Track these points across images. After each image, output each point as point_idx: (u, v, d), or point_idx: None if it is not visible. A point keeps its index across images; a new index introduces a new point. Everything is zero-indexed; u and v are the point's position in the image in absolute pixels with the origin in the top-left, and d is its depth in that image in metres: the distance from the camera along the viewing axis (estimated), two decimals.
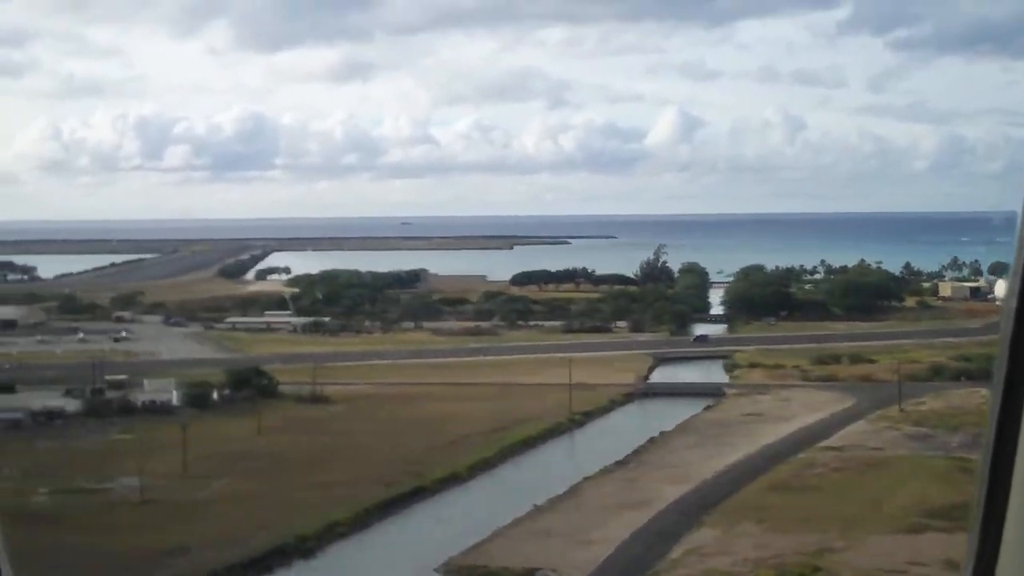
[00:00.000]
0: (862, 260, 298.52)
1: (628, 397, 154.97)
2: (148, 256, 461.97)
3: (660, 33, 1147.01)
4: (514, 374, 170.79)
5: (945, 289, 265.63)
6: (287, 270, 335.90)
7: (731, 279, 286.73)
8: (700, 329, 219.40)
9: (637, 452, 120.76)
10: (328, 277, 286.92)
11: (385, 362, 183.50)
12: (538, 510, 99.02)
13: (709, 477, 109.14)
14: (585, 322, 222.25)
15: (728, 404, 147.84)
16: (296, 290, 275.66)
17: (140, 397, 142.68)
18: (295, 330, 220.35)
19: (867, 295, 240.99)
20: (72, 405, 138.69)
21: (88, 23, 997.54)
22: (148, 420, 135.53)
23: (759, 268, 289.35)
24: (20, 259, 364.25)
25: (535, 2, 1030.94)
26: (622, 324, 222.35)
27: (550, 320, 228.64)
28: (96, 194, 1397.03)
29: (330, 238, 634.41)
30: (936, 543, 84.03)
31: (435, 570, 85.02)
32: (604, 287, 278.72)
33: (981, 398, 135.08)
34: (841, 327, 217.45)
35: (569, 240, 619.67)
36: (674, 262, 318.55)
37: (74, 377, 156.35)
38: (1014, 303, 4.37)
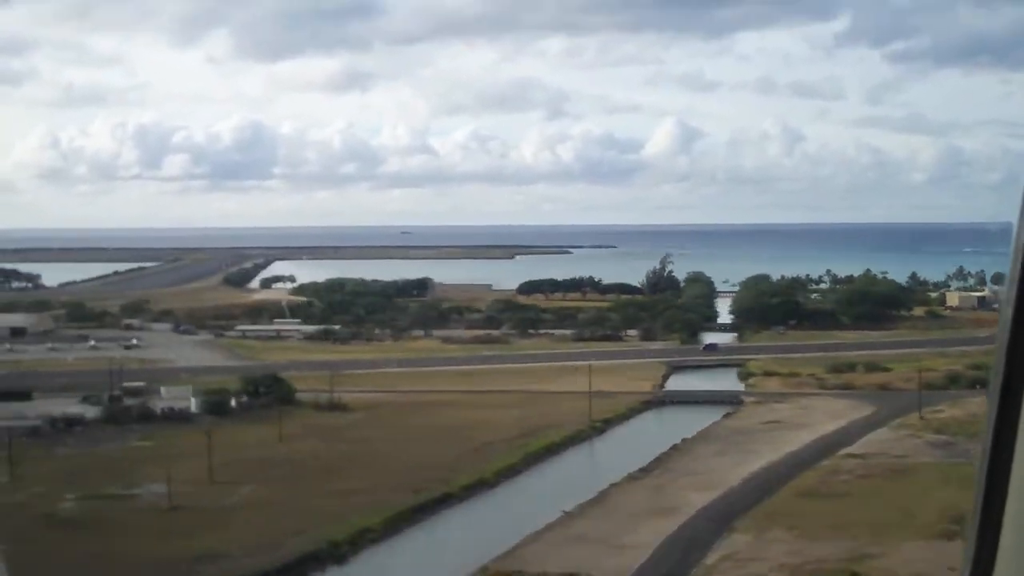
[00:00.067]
0: (868, 270, 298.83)
1: (646, 405, 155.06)
2: (150, 264, 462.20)
3: (659, 44, 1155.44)
4: (529, 382, 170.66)
5: (953, 299, 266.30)
6: (292, 278, 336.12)
7: (736, 288, 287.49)
8: (709, 338, 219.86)
9: (661, 459, 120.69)
10: (335, 285, 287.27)
11: (398, 370, 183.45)
12: (569, 516, 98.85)
13: (736, 484, 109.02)
14: (595, 331, 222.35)
15: (747, 412, 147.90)
16: (303, 298, 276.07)
17: (158, 404, 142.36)
18: (305, 338, 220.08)
19: (876, 304, 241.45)
20: (91, 412, 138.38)
21: (88, 32, 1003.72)
22: (167, 427, 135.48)
23: (765, 277, 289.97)
24: (23, 267, 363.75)
25: (535, 12, 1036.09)
26: (632, 333, 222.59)
27: (560, 328, 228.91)
28: (94, 203, 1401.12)
29: (330, 247, 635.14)
30: None
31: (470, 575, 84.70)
32: (610, 296, 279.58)
33: None
34: (851, 336, 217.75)
35: (571, 250, 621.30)
36: (678, 272, 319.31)
37: (89, 384, 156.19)
38: (1010, 312, 4.39)
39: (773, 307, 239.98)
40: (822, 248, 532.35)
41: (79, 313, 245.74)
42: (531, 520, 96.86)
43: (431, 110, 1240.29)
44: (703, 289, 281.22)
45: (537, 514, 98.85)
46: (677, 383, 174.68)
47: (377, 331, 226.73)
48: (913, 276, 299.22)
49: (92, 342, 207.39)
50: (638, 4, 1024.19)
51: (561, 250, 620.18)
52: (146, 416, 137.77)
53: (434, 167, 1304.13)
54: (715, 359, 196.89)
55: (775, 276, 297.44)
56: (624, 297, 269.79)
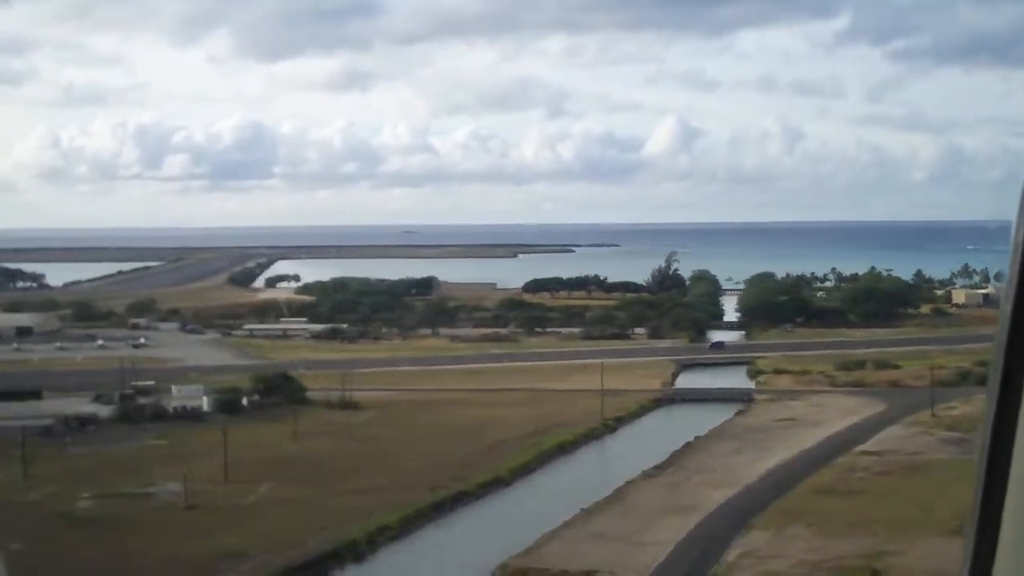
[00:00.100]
0: (873, 268, 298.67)
1: (657, 402, 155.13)
2: (153, 264, 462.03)
3: (660, 43, 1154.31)
4: (539, 380, 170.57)
5: (959, 296, 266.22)
6: (296, 278, 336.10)
7: (741, 287, 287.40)
8: (716, 336, 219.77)
9: (675, 456, 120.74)
10: (340, 284, 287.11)
11: (407, 368, 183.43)
12: (586, 513, 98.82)
13: (752, 481, 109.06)
14: (603, 329, 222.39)
15: (759, 409, 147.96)
16: (308, 297, 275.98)
17: (170, 403, 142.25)
18: (312, 337, 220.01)
19: (883, 302, 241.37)
20: (103, 411, 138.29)
21: (89, 32, 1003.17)
22: (180, 426, 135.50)
23: (770, 275, 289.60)
24: (27, 267, 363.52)
25: (535, 11, 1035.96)
26: (640, 331, 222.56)
27: (567, 327, 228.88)
28: (95, 202, 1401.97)
29: (332, 246, 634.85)
30: None
31: (491, 573, 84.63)
32: (616, 294, 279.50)
33: None
34: (859, 334, 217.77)
35: (573, 248, 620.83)
36: (681, 270, 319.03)
37: (99, 383, 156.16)
38: (1009, 308, 4.43)
39: (780, 305, 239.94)
40: (822, 246, 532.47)
41: (85, 312, 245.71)
42: (549, 518, 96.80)
43: (431, 109, 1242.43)
44: (708, 287, 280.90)
45: (554, 512, 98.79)
46: (687, 381, 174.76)
47: (384, 330, 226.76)
48: (918, 274, 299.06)
49: (100, 341, 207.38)
50: (638, 3, 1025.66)
51: (563, 249, 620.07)
52: (158, 415, 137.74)
53: (434, 166, 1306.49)
54: (724, 357, 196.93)
55: (779, 274, 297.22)
56: (630, 295, 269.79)
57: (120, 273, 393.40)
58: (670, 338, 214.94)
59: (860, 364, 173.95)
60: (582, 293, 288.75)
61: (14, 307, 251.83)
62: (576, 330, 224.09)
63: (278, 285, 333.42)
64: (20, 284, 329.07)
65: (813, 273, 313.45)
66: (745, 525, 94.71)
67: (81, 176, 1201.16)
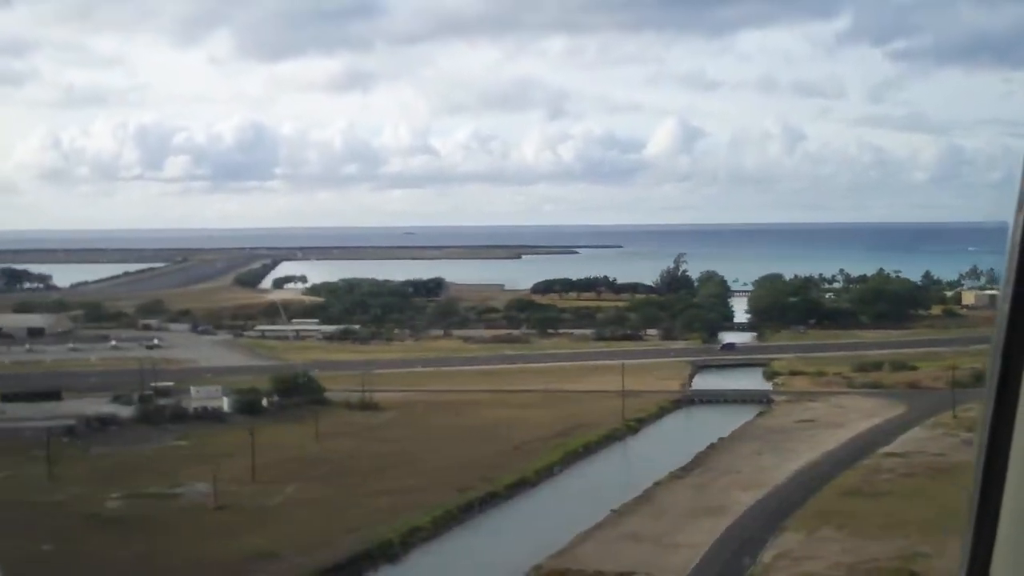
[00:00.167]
0: (881, 269, 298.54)
1: (676, 404, 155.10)
2: (158, 265, 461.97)
3: (660, 43, 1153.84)
4: (554, 381, 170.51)
5: (968, 297, 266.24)
6: (304, 279, 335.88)
7: (749, 288, 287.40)
8: (728, 337, 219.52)
9: (700, 458, 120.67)
10: (350, 286, 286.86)
11: (422, 369, 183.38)
12: (617, 514, 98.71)
13: (780, 483, 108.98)
14: (615, 330, 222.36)
15: (779, 411, 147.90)
16: (317, 299, 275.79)
17: (190, 404, 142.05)
18: (325, 338, 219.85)
19: (893, 303, 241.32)
20: (124, 412, 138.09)
21: (90, 32, 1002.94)
22: (201, 427, 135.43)
23: (778, 277, 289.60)
24: (32, 268, 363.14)
25: (536, 12, 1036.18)
26: (652, 332, 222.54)
27: (578, 328, 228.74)
28: (95, 204, 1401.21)
29: (335, 247, 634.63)
30: None
31: (526, 574, 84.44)
32: (625, 295, 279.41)
33: None
34: (871, 335, 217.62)
35: (577, 250, 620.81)
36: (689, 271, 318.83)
37: (115, 384, 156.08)
38: (1006, 308, 4.46)
39: (790, 306, 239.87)
40: (824, 247, 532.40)
41: (96, 313, 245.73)
42: (580, 519, 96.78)
43: (432, 110, 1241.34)
44: (717, 288, 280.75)
45: (585, 513, 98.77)
46: (703, 382, 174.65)
47: (396, 331, 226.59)
48: (927, 275, 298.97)
49: (113, 342, 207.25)
50: (639, 3, 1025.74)
51: (566, 250, 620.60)
52: (179, 416, 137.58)
53: (435, 167, 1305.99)
54: (738, 358, 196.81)
55: (786, 275, 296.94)
56: (640, 296, 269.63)
57: (126, 274, 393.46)
58: (682, 339, 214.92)
59: (877, 365, 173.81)
60: (591, 294, 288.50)
61: (23, 308, 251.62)
62: (588, 331, 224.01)
63: (286, 286, 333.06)
64: (27, 285, 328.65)
65: (821, 274, 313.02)
66: (778, 527, 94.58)
67: (82, 177, 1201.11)
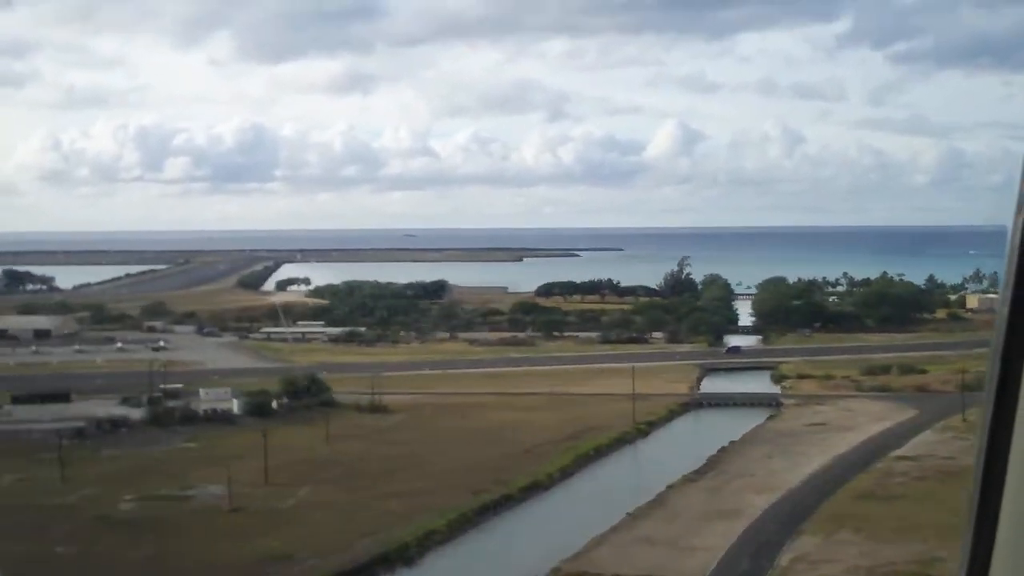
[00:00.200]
0: (884, 272, 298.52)
1: (684, 407, 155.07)
2: (160, 267, 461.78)
3: (660, 46, 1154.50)
4: (561, 384, 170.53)
5: (972, 301, 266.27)
6: (307, 281, 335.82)
7: (752, 291, 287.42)
8: (733, 340, 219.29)
9: (712, 461, 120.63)
10: (353, 288, 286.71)
11: (429, 372, 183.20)
12: (632, 518, 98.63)
13: (793, 486, 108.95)
14: (621, 333, 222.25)
15: (789, 414, 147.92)
16: (321, 301, 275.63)
17: (200, 406, 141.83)
18: (330, 340, 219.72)
19: (898, 307, 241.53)
20: (134, 414, 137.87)
21: (90, 34, 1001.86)
22: (211, 429, 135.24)
23: (781, 280, 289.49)
24: (35, 270, 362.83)
25: (536, 14, 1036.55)
26: (658, 335, 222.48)
27: (583, 331, 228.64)
28: (96, 205, 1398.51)
29: (335, 250, 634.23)
30: None
31: None
32: (628, 298, 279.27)
33: None
34: (876, 338, 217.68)
35: (578, 252, 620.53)
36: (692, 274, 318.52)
37: (122, 386, 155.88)
38: (1005, 312, 4.47)
39: (794, 310, 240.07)
40: (824, 250, 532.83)
41: (100, 315, 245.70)
42: (594, 522, 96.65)
43: (432, 112, 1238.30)
44: (721, 292, 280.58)
45: (599, 516, 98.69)
46: (711, 385, 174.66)
47: (402, 333, 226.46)
48: (930, 279, 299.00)
49: (119, 344, 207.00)
50: (639, 6, 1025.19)
51: (567, 253, 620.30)
52: (189, 418, 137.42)
53: (435, 169, 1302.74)
54: (743, 361, 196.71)
55: (788, 278, 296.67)
56: (644, 299, 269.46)
57: (128, 276, 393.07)
58: (688, 342, 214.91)
59: (885, 369, 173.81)
60: (595, 297, 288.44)
61: (27, 309, 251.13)
62: (593, 334, 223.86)
63: (288, 288, 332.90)
64: (30, 287, 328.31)
65: (824, 278, 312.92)
66: (793, 530, 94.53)
67: (82, 178, 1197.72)
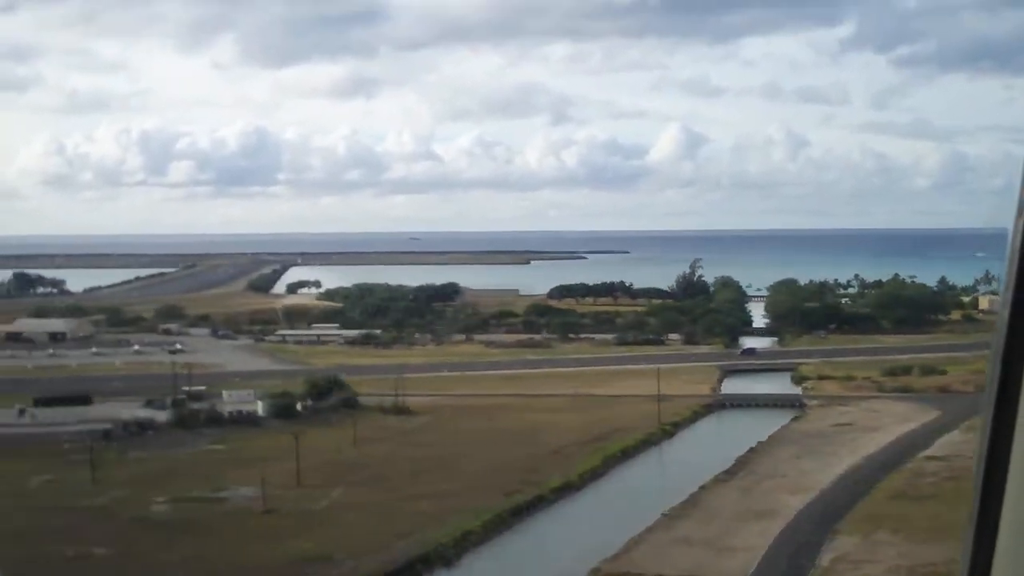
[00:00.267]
0: (896, 274, 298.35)
1: (708, 408, 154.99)
2: (168, 270, 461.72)
3: (664, 50, 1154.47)
4: (580, 385, 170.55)
5: (985, 302, 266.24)
6: (317, 284, 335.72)
7: (764, 293, 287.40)
8: (748, 342, 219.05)
9: (742, 462, 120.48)
10: (365, 291, 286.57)
11: (448, 374, 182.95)
12: (668, 518, 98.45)
13: (825, 486, 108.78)
14: (637, 335, 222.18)
15: (813, 415, 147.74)
16: (332, 304, 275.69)
17: (224, 408, 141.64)
18: (346, 342, 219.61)
19: (912, 308, 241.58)
20: (159, 416, 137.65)
21: (94, 38, 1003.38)
22: (236, 431, 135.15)
23: (793, 282, 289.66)
24: (46, 273, 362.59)
25: (539, 18, 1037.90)
26: (674, 337, 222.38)
27: (599, 333, 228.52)
28: (99, 209, 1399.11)
29: (340, 253, 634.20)
30: None
31: None
32: (641, 300, 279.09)
33: None
34: (892, 340, 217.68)
35: (586, 255, 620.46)
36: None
37: (142, 388, 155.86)
38: (1006, 315, 4.46)
39: (808, 311, 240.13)
40: (828, 253, 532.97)
41: (115, 318, 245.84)
42: (630, 522, 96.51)
43: (436, 116, 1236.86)
44: (734, 294, 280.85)
45: (634, 516, 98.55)
46: (732, 386, 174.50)
47: (417, 335, 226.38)
48: (943, 280, 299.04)
49: (136, 347, 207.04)
50: (643, 10, 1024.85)
51: (573, 256, 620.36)
52: (214, 420, 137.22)
53: (439, 173, 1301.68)
54: (761, 363, 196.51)
55: (799, 280, 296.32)
56: (657, 302, 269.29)
57: (138, 279, 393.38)
58: (704, 344, 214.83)
59: (906, 370, 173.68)
60: (607, 299, 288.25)
61: (40, 313, 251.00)
62: (609, 336, 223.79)
63: (299, 291, 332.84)
64: (40, 290, 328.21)
65: (836, 280, 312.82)
66: (830, 530, 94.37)
67: (86, 182, 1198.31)
